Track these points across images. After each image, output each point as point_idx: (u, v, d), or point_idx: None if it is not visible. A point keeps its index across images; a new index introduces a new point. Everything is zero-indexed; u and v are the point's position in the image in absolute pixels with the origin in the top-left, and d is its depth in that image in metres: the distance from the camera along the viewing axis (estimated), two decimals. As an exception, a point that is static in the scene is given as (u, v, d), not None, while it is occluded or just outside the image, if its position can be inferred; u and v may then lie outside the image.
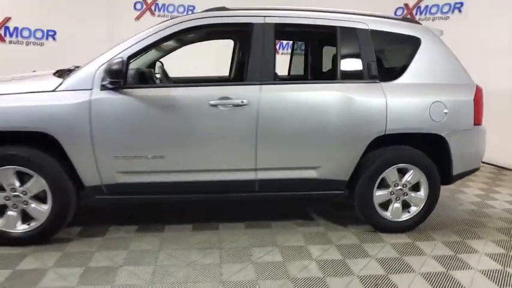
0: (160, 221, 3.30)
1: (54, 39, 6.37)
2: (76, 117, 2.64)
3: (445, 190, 3.26)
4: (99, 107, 2.65)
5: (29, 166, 2.67)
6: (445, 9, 6.02)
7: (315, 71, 4.22)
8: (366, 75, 2.99)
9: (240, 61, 4.32)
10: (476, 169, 3.34)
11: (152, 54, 3.69)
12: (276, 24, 2.92)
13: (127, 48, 2.74)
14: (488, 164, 5.63)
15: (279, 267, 2.63)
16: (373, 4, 6.18)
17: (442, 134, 3.04)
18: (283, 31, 3.04)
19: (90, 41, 6.36)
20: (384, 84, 3.00)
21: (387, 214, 3.16)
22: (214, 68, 4.71)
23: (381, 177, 3.07)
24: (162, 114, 2.74)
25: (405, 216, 3.19)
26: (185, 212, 3.59)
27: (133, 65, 3.05)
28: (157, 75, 3.76)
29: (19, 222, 2.76)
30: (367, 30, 3.04)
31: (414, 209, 3.20)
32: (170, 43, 3.42)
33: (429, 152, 3.14)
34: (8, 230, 2.74)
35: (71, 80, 2.70)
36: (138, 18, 6.86)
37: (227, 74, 4.62)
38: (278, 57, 3.16)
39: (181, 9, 7.05)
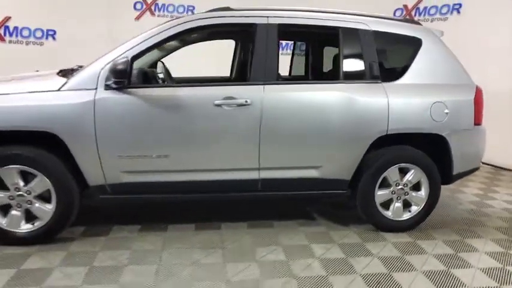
0: (163, 221, 3.32)
1: (54, 38, 6.37)
2: (80, 117, 2.65)
3: (444, 190, 3.30)
4: (104, 107, 2.67)
5: (34, 166, 2.67)
6: (444, 10, 6.07)
7: (316, 71, 4.25)
8: (367, 76, 3.02)
9: (242, 61, 4.34)
10: (476, 169, 3.38)
11: (153, 54, 3.70)
12: (279, 25, 2.94)
13: (131, 48, 2.76)
14: (486, 164, 5.68)
15: (282, 266, 2.65)
16: (372, 5, 6.21)
17: (443, 134, 3.08)
18: (286, 31, 3.06)
19: (90, 41, 6.37)
20: (385, 84, 3.03)
21: (388, 213, 3.19)
22: (214, 68, 4.71)
23: (382, 176, 3.10)
24: (167, 114, 2.75)
25: (406, 216, 3.23)
26: (187, 211, 3.60)
27: (136, 65, 3.06)
28: (160, 75, 3.77)
29: (23, 222, 2.77)
30: (369, 31, 3.07)
31: (415, 209, 3.23)
32: (172, 43, 3.43)
33: (429, 152, 3.17)
34: (12, 230, 2.75)
35: (75, 80, 2.72)
36: (138, 18, 6.87)
37: (227, 74, 4.64)
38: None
39: (181, 9, 7.07)
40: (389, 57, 3.30)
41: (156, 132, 2.76)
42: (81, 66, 3.28)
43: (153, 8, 6.95)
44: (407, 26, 3.22)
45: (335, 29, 3.04)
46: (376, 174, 3.08)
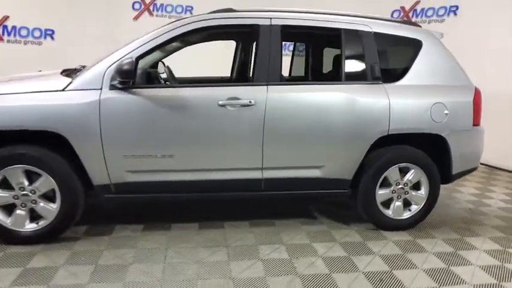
0: (165, 220, 3.34)
1: (52, 38, 6.36)
2: (86, 117, 2.67)
3: (442, 189, 3.35)
4: (109, 107, 2.69)
5: (38, 165, 2.68)
6: (441, 12, 6.14)
7: (317, 72, 4.29)
8: (369, 77, 3.07)
9: (243, 62, 4.38)
10: (475, 168, 3.44)
11: (155, 54, 3.72)
12: (282, 26, 2.97)
13: (136, 49, 2.78)
14: (482, 164, 5.76)
15: (286, 264, 2.68)
16: (369, 6, 6.31)
17: (443, 134, 3.13)
18: (289, 33, 3.10)
19: (88, 41, 6.38)
20: (386, 85, 3.07)
21: (389, 212, 3.24)
22: (212, 69, 4.74)
23: (383, 176, 3.14)
24: (171, 114, 2.78)
25: (406, 215, 3.28)
26: (189, 211, 3.63)
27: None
28: (162, 75, 3.79)
29: (27, 221, 2.78)
30: (371, 32, 3.12)
31: (415, 208, 3.28)
32: (174, 43, 3.45)
33: (429, 152, 3.22)
34: (16, 229, 2.76)
35: (80, 80, 2.73)
36: (136, 18, 6.88)
37: (225, 74, 4.66)
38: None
39: (179, 9, 7.08)
40: (390, 59, 3.35)
41: (160, 132, 2.78)
42: (84, 66, 3.30)
43: (151, 8, 6.96)
44: (407, 28, 3.27)
45: (337, 30, 3.08)
46: (377, 173, 3.12)
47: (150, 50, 2.82)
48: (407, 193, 3.24)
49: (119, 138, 2.74)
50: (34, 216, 2.80)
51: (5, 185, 2.71)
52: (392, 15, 6.69)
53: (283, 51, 3.08)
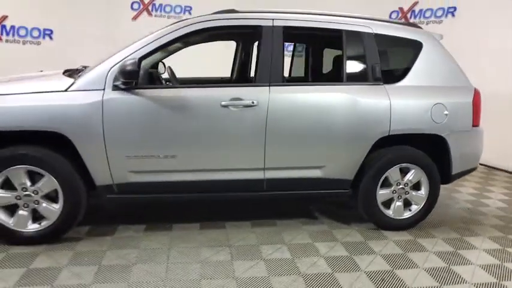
0: (167, 220, 3.35)
1: (51, 38, 6.35)
2: (88, 117, 2.67)
3: (441, 189, 3.38)
4: (112, 107, 2.69)
5: (41, 166, 2.69)
6: (439, 13, 6.19)
7: (317, 73, 4.31)
8: (370, 78, 3.09)
9: (243, 62, 4.40)
10: (474, 169, 3.48)
11: (156, 54, 3.73)
12: (284, 27, 2.99)
13: (139, 49, 2.79)
14: (480, 164, 5.80)
15: (289, 264, 2.70)
16: (368, 7, 6.35)
17: (443, 135, 3.16)
18: (291, 34, 3.11)
19: (87, 41, 6.38)
20: (387, 86, 3.10)
21: (389, 212, 3.27)
22: (212, 69, 4.75)
23: (384, 176, 3.17)
24: (174, 115, 2.79)
25: (407, 214, 3.30)
26: (190, 211, 3.64)
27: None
28: (163, 76, 3.80)
29: (30, 222, 2.78)
30: (372, 34, 3.14)
31: (415, 207, 3.31)
32: (177, 44, 3.45)
33: (429, 152, 3.25)
34: (19, 230, 2.76)
35: (83, 80, 2.73)
36: (135, 18, 6.88)
37: (226, 75, 4.67)
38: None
39: (178, 9, 7.09)
40: (391, 60, 3.37)
41: (163, 133, 2.79)
42: (85, 67, 3.30)
43: (150, 8, 6.97)
44: (408, 30, 3.29)
45: (339, 31, 3.10)
46: (378, 174, 3.15)
47: (153, 50, 2.83)
48: (408, 193, 3.27)
49: (122, 138, 2.74)
50: (36, 216, 2.80)
51: (8, 185, 2.71)
52: (390, 16, 6.73)
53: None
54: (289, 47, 5.44)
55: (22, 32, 6.16)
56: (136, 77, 2.64)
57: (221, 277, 2.50)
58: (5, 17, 6.07)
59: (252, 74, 4.47)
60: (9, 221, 2.74)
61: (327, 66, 4.20)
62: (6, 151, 2.64)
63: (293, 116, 2.92)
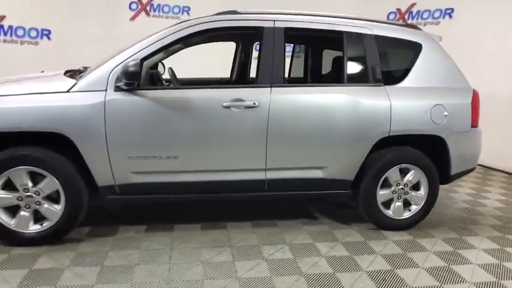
0: (168, 221, 3.36)
1: (49, 38, 6.32)
2: (91, 118, 2.67)
3: (440, 189, 3.41)
4: (114, 108, 2.69)
5: (43, 166, 2.68)
6: (436, 14, 6.23)
7: (317, 74, 4.32)
8: (371, 79, 3.11)
9: (243, 63, 4.41)
10: (473, 169, 3.51)
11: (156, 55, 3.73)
12: (286, 28, 3.01)
13: (141, 50, 2.80)
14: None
15: (290, 264, 2.72)
16: (366, 8, 6.38)
17: (442, 136, 3.19)
18: (292, 35, 3.13)
19: (85, 41, 6.36)
20: (387, 87, 3.12)
21: (389, 212, 3.29)
22: (211, 70, 4.76)
23: (384, 177, 3.19)
24: (176, 115, 2.79)
25: (406, 214, 3.33)
26: (191, 211, 3.64)
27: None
28: (162, 76, 3.81)
29: (31, 223, 2.78)
30: (372, 35, 3.16)
31: (415, 208, 3.33)
32: (177, 45, 3.46)
33: (428, 153, 3.28)
34: (21, 230, 2.75)
35: (85, 81, 2.73)
36: (133, 18, 6.87)
37: (225, 75, 4.68)
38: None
39: (176, 9, 7.08)
40: (391, 61, 3.40)
41: (165, 134, 2.80)
42: (86, 67, 3.30)
43: (148, 8, 6.95)
44: (407, 31, 3.32)
45: (339, 33, 3.12)
46: (378, 174, 3.17)
47: (155, 51, 2.84)
48: (407, 193, 3.29)
49: (124, 139, 2.75)
50: (38, 217, 2.80)
51: (9, 186, 2.71)
52: (388, 17, 6.76)
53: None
54: (287, 47, 5.45)
55: (20, 32, 6.13)
56: (138, 78, 2.65)
57: (224, 277, 2.51)
58: (2, 17, 6.04)
59: (252, 74, 4.53)
60: (10, 222, 2.74)
61: (326, 67, 4.22)
62: (7, 152, 2.64)
63: (294, 117, 2.94)
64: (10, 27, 6.07)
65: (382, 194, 3.24)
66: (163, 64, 4.06)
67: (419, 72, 3.23)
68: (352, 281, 2.53)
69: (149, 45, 2.81)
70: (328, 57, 4.17)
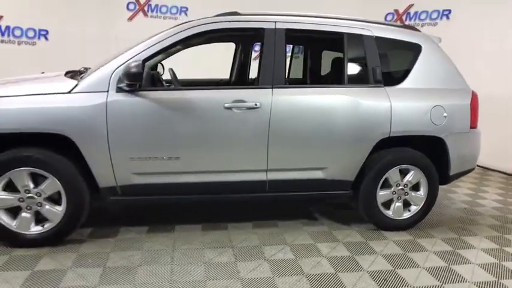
0: (169, 222, 3.36)
1: (46, 38, 6.30)
2: (92, 119, 2.67)
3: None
4: (116, 109, 2.69)
5: (44, 168, 2.68)
6: (434, 15, 6.27)
7: (318, 75, 4.34)
8: (371, 80, 3.13)
9: (242, 64, 4.42)
10: (472, 169, 3.54)
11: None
12: (287, 30, 3.02)
13: (143, 51, 2.80)
14: (475, 164, 5.89)
15: (292, 264, 2.73)
16: (363, 9, 6.40)
17: (442, 136, 3.21)
18: (293, 36, 3.15)
19: (82, 41, 6.34)
20: (388, 88, 3.14)
21: (389, 213, 3.31)
22: (209, 70, 4.76)
23: (384, 177, 3.21)
24: (178, 116, 2.80)
25: (406, 215, 3.35)
26: (192, 212, 3.65)
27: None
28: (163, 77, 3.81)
29: (32, 224, 2.77)
30: (372, 36, 3.18)
31: (414, 208, 3.36)
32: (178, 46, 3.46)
33: (428, 153, 3.30)
34: (22, 232, 2.75)
35: (86, 82, 2.73)
36: (130, 18, 6.86)
37: (223, 76, 4.69)
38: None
39: (174, 10, 7.07)
40: (391, 62, 3.42)
41: (167, 135, 2.80)
42: (86, 68, 3.30)
43: (146, 8, 6.94)
44: (407, 33, 3.34)
45: (340, 34, 3.14)
46: (378, 175, 3.19)
47: (157, 52, 2.84)
48: (407, 194, 3.31)
49: (126, 140, 2.75)
50: (39, 218, 2.79)
51: (11, 187, 2.70)
52: (385, 18, 6.79)
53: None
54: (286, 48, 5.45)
55: (17, 33, 6.10)
56: (140, 79, 2.65)
57: (226, 278, 2.52)
58: (0, 17, 6.01)
59: (251, 75, 4.55)
60: (12, 223, 2.73)
61: (326, 68, 4.23)
62: (9, 153, 2.63)
63: (296, 117, 2.95)
64: (7, 27, 6.04)
65: (382, 194, 3.26)
66: (162, 65, 4.07)
67: (419, 73, 3.25)
68: (354, 281, 2.55)
69: (151, 46, 2.81)
70: (327, 58, 4.19)
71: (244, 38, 4.21)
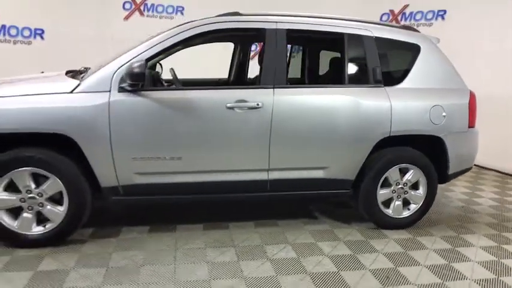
0: (170, 222, 3.36)
1: (42, 38, 6.25)
2: (95, 119, 2.66)
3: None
4: (118, 109, 2.69)
5: (46, 168, 2.67)
6: (429, 16, 6.33)
7: (315, 75, 4.36)
8: (371, 80, 3.16)
9: (241, 64, 4.43)
10: (470, 168, 3.59)
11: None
12: (288, 30, 3.03)
13: (145, 51, 2.79)
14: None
15: (294, 263, 2.75)
16: (358, 9, 6.44)
17: (440, 136, 3.25)
18: (294, 36, 3.16)
19: (78, 41, 6.30)
20: (388, 88, 3.17)
21: (389, 211, 3.34)
22: (207, 70, 4.76)
23: (384, 176, 3.24)
24: (180, 116, 2.80)
25: (406, 213, 3.38)
26: (192, 212, 3.65)
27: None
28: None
29: (34, 224, 2.75)
30: (372, 37, 3.21)
31: (414, 207, 3.39)
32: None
33: (427, 153, 3.34)
34: (23, 232, 2.73)
35: (88, 82, 2.72)
36: (127, 18, 6.83)
37: (222, 75, 4.69)
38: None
39: (170, 9, 7.06)
40: (390, 63, 3.45)
41: (169, 135, 2.80)
42: (87, 68, 3.29)
43: (142, 8, 6.91)
44: (406, 33, 3.38)
45: (341, 35, 3.16)
46: (378, 174, 3.22)
47: (159, 52, 2.84)
48: (407, 193, 3.35)
49: (128, 140, 2.74)
50: (41, 219, 2.78)
51: (12, 188, 2.69)
52: (381, 19, 6.84)
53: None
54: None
55: (13, 32, 6.04)
56: (143, 79, 2.65)
57: (230, 277, 2.53)
58: (-5, 16, 5.96)
59: (249, 75, 4.56)
60: (13, 224, 2.71)
61: (324, 68, 4.26)
62: (11, 153, 2.62)
63: (297, 117, 2.97)
64: (3, 26, 5.98)
65: (382, 193, 3.29)
66: (161, 65, 4.06)
67: (418, 73, 3.29)
68: (357, 279, 2.57)
69: (153, 46, 2.81)
70: (325, 58, 4.21)
71: (243, 38, 4.22)
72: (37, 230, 2.76)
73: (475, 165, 5.89)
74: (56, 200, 2.77)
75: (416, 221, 3.45)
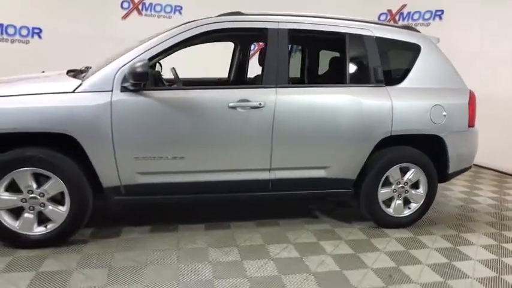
0: (171, 221, 3.35)
1: (40, 37, 6.22)
2: (97, 119, 2.65)
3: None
4: (121, 109, 2.68)
5: (48, 168, 2.65)
6: (427, 16, 6.36)
7: (315, 74, 4.37)
8: (372, 80, 3.17)
9: (241, 63, 4.43)
10: (469, 168, 3.61)
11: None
12: (289, 30, 3.04)
13: (147, 50, 2.79)
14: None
15: (297, 263, 2.75)
16: (357, 9, 6.45)
17: (441, 135, 3.27)
18: (295, 36, 3.17)
19: (76, 40, 6.27)
20: (388, 88, 3.19)
21: (390, 210, 3.36)
22: (207, 70, 4.76)
23: (385, 175, 3.25)
24: (182, 116, 2.79)
25: (406, 212, 3.40)
26: (194, 211, 3.64)
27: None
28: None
29: (35, 225, 2.74)
30: (373, 37, 3.22)
31: (414, 206, 3.41)
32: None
33: (427, 152, 3.36)
34: (25, 233, 2.71)
35: (90, 81, 2.71)
36: (125, 17, 6.81)
37: (221, 75, 4.69)
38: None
39: (168, 8, 7.04)
40: (391, 62, 3.46)
41: (172, 134, 2.80)
42: (88, 67, 3.27)
43: (140, 7, 6.90)
44: (407, 33, 3.39)
45: (342, 34, 3.17)
46: (379, 173, 3.23)
47: (162, 52, 2.83)
48: (407, 192, 3.36)
49: (130, 140, 2.73)
50: (42, 219, 2.76)
51: (13, 188, 2.67)
52: (379, 18, 6.86)
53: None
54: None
55: (11, 31, 6.01)
56: (146, 79, 2.64)
57: (234, 277, 2.53)
58: (-7, 15, 5.92)
59: (249, 75, 4.56)
60: (14, 224, 2.69)
61: (324, 68, 4.26)
62: (12, 153, 2.60)
63: (299, 117, 2.97)
64: (1, 25, 5.95)
65: (383, 192, 3.30)
66: (160, 64, 4.05)
67: (418, 73, 3.30)
68: (360, 278, 2.58)
69: (155, 46, 2.80)
70: (325, 58, 4.22)
71: (244, 38, 4.22)
72: (38, 230, 2.74)
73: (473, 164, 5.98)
74: (58, 200, 2.75)
75: (416, 220, 3.47)
